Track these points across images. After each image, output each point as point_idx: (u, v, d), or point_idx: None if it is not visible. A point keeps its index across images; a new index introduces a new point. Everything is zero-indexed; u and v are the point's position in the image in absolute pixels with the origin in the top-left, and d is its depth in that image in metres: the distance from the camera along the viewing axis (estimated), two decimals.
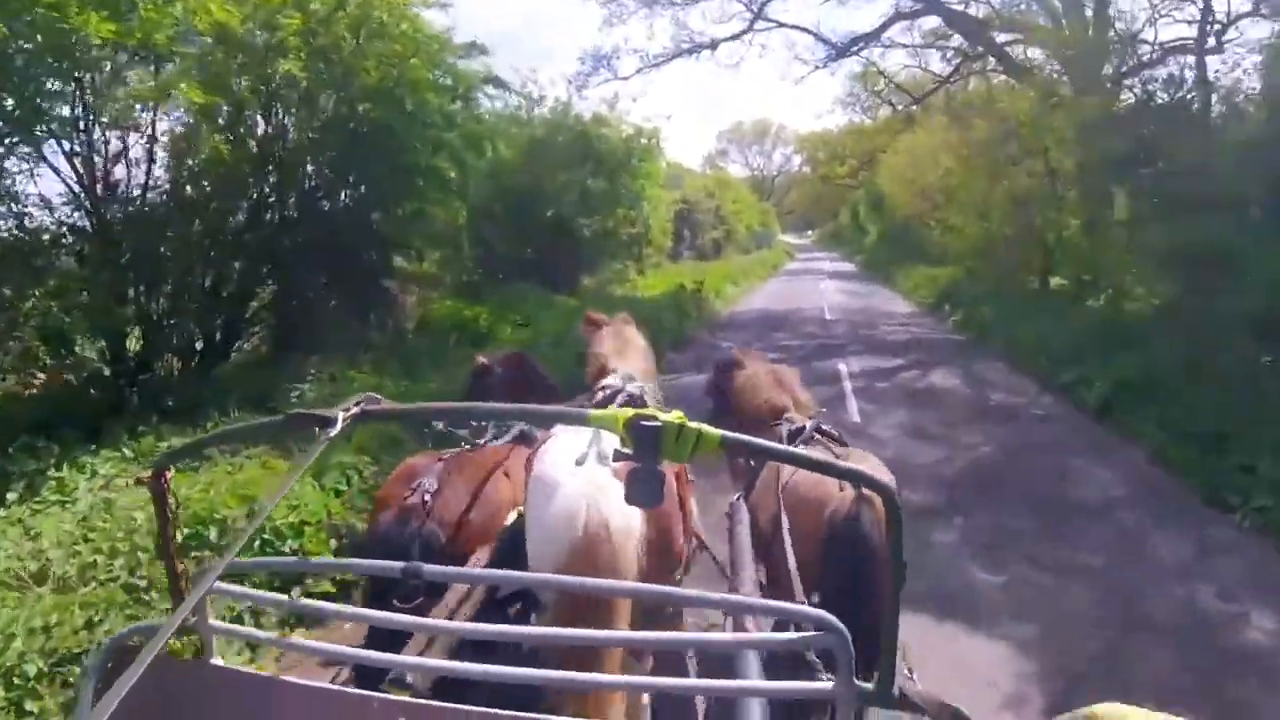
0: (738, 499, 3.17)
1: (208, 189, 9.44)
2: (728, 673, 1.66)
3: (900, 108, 46.43)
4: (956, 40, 24.18)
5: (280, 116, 10.68)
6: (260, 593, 1.73)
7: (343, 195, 11.49)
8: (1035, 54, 21.28)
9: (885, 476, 2.24)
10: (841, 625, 1.29)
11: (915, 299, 23.80)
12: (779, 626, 2.03)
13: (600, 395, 2.94)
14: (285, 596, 1.57)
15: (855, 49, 23.88)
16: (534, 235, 17.24)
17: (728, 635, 2.03)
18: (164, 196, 9.09)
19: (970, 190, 20.86)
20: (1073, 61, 18.68)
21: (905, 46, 24.85)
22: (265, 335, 11.11)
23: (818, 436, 3.29)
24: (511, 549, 2.60)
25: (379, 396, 1.37)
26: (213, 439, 2.50)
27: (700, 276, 24.45)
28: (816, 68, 25.05)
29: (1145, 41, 17.76)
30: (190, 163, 9.31)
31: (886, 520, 1.28)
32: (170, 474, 1.47)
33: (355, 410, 1.30)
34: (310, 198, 11.27)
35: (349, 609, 1.62)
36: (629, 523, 2.25)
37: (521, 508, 2.67)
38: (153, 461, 1.53)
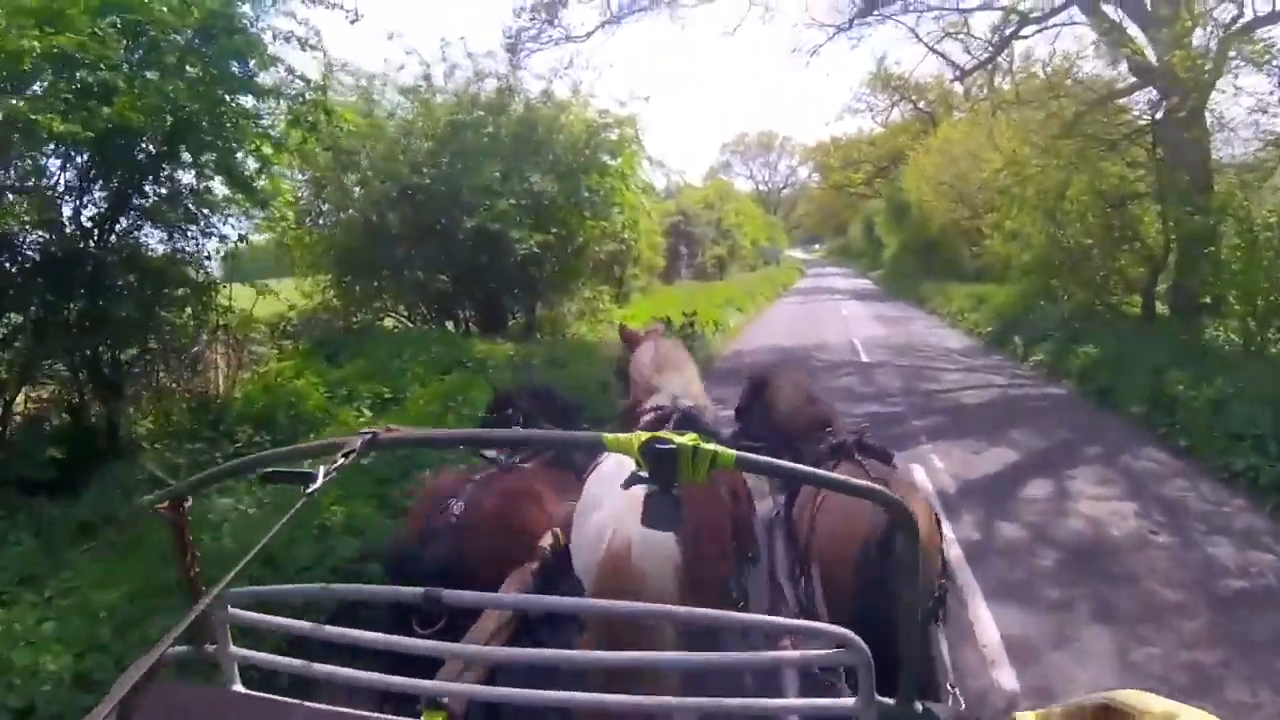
0: (776, 514, 3.34)
1: None
2: (763, 690, 1.94)
3: (922, 106, 42.13)
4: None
5: None
6: (281, 620, 1.63)
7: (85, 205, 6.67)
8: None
9: (923, 494, 2.59)
10: (862, 643, 1.28)
11: (966, 327, 18.77)
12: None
13: (650, 416, 2.96)
14: (307, 624, 1.61)
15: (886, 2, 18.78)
16: (452, 256, 12.28)
17: (750, 654, 2.06)
18: None
19: (1041, 186, 15.90)
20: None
21: (948, 12, 19.69)
22: None
23: (858, 455, 3.15)
24: (546, 572, 2.63)
25: (394, 426, 1.41)
26: (226, 470, 1.89)
27: (696, 304, 19.62)
28: (839, 30, 19.89)
29: None
30: None
31: (902, 540, 1.30)
32: (188, 504, 1.45)
33: (367, 438, 1.32)
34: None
35: (372, 635, 1.53)
36: (657, 543, 2.22)
37: (557, 530, 2.77)
38: (171, 490, 1.51)
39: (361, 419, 7.51)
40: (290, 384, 8.22)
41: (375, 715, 1.37)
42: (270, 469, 1.49)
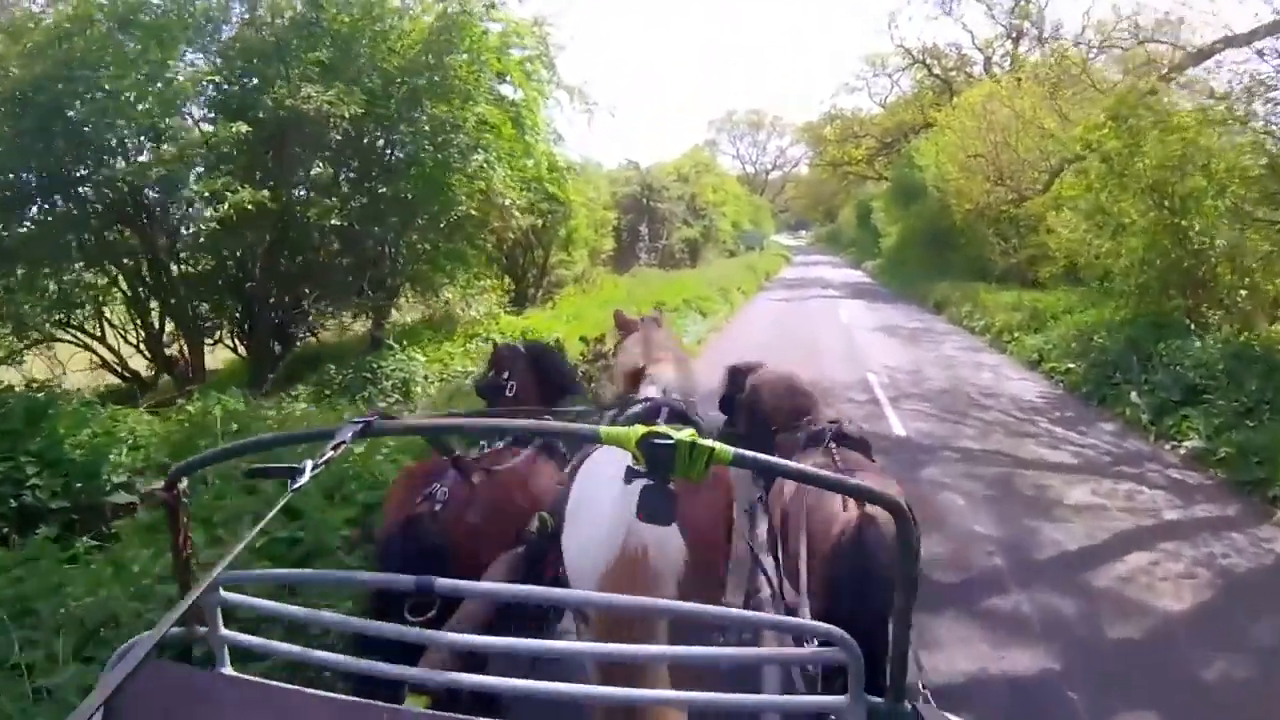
0: (758, 500, 3.28)
1: None
2: (748, 687, 2.08)
3: (937, 73, 36.17)
4: None
5: None
6: (272, 603, 1.58)
7: None
8: None
9: (895, 491, 2.28)
10: (851, 640, 1.26)
11: (1022, 355, 12.98)
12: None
13: (638, 408, 2.75)
14: (297, 607, 1.59)
15: None
16: (152, 238, 6.31)
17: (739, 650, 2.16)
18: None
19: (1161, 154, 10.14)
20: None
21: None
22: None
23: (833, 446, 2.98)
24: (531, 559, 2.58)
25: (391, 414, 1.44)
26: (225, 453, 1.71)
27: (642, 306, 13.78)
28: None
29: None
30: None
31: (897, 536, 1.24)
32: (183, 485, 1.42)
33: (358, 426, 1.30)
34: None
35: (361, 622, 1.56)
36: (669, 545, 2.13)
37: (544, 514, 2.68)
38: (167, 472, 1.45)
39: None
40: None
41: (359, 700, 1.34)
42: (255, 464, 1.42)
